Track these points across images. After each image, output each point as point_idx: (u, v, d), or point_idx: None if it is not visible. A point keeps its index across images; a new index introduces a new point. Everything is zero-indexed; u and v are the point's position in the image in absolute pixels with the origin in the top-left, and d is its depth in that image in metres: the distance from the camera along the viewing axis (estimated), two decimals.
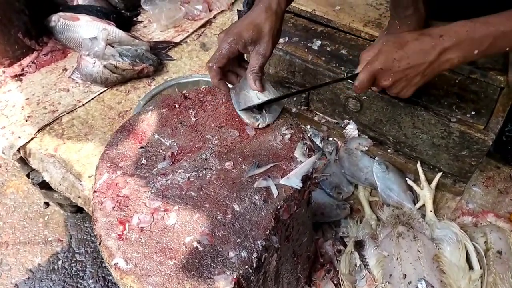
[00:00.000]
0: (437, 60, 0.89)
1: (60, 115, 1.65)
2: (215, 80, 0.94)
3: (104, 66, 1.71)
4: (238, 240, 0.74)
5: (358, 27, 1.41)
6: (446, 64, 0.91)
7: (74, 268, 1.64)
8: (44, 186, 1.66)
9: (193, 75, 1.76)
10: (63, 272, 1.64)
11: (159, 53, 1.91)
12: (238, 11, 1.97)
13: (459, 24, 0.89)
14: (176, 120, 0.97)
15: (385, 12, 1.45)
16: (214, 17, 2.11)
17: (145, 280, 0.69)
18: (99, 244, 0.75)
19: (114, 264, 0.71)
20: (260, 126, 0.92)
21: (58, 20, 1.92)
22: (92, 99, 1.72)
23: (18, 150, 1.58)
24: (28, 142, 1.57)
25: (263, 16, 0.92)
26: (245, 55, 0.98)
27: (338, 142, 1.46)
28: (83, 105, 1.70)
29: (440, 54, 0.88)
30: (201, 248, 0.73)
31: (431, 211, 1.24)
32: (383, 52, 0.92)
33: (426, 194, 1.27)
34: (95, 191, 0.82)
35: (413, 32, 0.95)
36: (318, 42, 1.41)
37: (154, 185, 0.82)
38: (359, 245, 1.16)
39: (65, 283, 1.60)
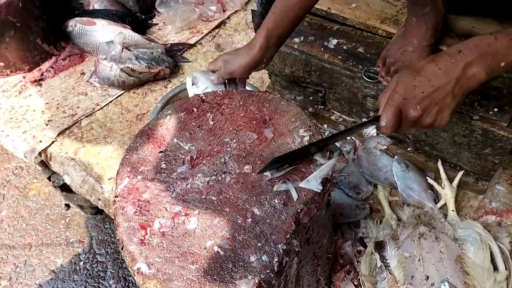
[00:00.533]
0: (463, 76, 0.81)
1: (79, 119, 1.68)
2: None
3: (121, 70, 1.73)
4: (259, 244, 0.74)
5: (375, 24, 1.39)
6: (474, 80, 0.83)
7: (95, 269, 1.67)
8: (65, 188, 1.69)
9: None
10: (85, 273, 1.66)
11: (175, 55, 1.92)
12: (252, 11, 1.97)
13: (477, 38, 0.84)
14: (194, 124, 0.97)
15: (403, 9, 1.42)
16: (228, 18, 2.11)
17: (167, 285, 0.69)
18: (122, 249, 0.76)
19: (137, 269, 0.72)
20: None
21: (75, 25, 1.95)
22: (110, 102, 1.74)
23: (39, 154, 1.61)
24: (49, 146, 1.60)
25: (259, 53, 1.12)
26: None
27: (356, 141, 1.44)
28: (101, 108, 1.72)
29: (465, 69, 0.81)
30: (222, 253, 0.73)
31: (453, 210, 1.21)
32: (399, 83, 0.83)
33: (447, 193, 1.25)
34: (116, 196, 0.83)
35: (425, 59, 0.87)
36: (334, 41, 1.40)
37: (174, 190, 0.83)
38: (380, 246, 1.14)
39: (87, 284, 1.63)
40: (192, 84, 1.22)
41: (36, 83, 1.88)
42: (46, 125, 1.68)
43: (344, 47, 1.38)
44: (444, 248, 1.06)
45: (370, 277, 1.11)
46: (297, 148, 0.89)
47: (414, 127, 0.87)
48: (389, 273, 1.09)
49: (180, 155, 0.90)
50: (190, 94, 1.21)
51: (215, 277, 0.70)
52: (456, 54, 0.81)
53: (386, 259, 1.11)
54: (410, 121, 0.83)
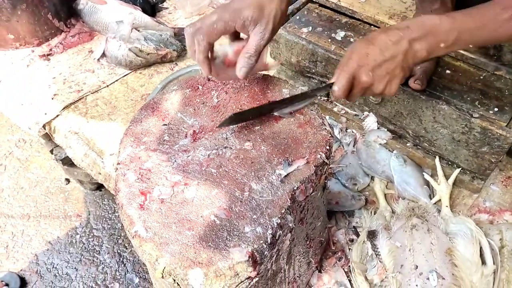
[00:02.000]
0: (409, 50, 0.87)
1: (85, 95, 1.70)
2: (201, 56, 0.87)
3: (129, 50, 1.74)
4: (254, 216, 0.76)
5: (383, 19, 1.41)
6: (417, 56, 0.88)
7: (91, 243, 1.69)
8: (66, 162, 1.71)
9: None
10: (81, 246, 1.69)
11: (183, 39, 1.93)
12: None
13: (426, 17, 0.88)
14: (198, 100, 0.99)
15: (411, 6, 1.44)
16: None
17: (163, 248, 0.71)
18: (121, 211, 0.78)
19: (135, 231, 0.74)
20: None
21: (86, 3, 1.97)
22: (116, 80, 1.76)
23: (44, 126, 1.63)
24: (54, 119, 1.62)
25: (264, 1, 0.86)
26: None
27: (357, 134, 1.46)
28: (107, 86, 1.74)
29: (410, 44, 0.86)
30: (218, 222, 0.75)
31: (447, 206, 1.23)
32: (354, 51, 0.88)
33: (443, 189, 1.27)
34: (118, 163, 0.85)
35: (377, 30, 0.92)
36: (342, 33, 1.42)
37: (175, 160, 0.85)
38: (372, 235, 1.16)
39: (82, 257, 1.66)
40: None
41: (44, 58, 1.89)
42: (52, 99, 1.70)
43: (352, 39, 1.40)
44: (435, 240, 1.08)
45: (360, 264, 1.13)
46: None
47: (365, 95, 0.93)
48: (379, 261, 1.11)
49: (183, 128, 0.92)
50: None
51: (209, 243, 0.72)
52: (404, 29, 0.87)
53: (377, 248, 1.14)
54: (362, 87, 0.88)
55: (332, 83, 0.88)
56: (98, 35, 1.99)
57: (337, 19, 1.49)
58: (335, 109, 1.49)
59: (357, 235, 1.23)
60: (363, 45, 0.87)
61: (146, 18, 1.90)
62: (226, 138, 0.89)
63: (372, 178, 1.37)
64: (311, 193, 0.86)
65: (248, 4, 0.85)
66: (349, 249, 1.20)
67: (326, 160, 0.87)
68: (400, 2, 1.46)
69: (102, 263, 1.63)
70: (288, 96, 0.97)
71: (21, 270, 1.63)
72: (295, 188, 0.81)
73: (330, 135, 0.90)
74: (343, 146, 1.45)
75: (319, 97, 1.50)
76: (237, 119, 0.91)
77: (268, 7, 0.86)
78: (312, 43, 1.41)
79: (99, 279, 1.59)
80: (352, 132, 1.47)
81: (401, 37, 0.86)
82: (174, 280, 0.72)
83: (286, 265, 0.91)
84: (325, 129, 0.91)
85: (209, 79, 1.04)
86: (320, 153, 0.86)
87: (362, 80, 0.86)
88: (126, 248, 1.67)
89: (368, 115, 1.42)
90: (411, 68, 0.91)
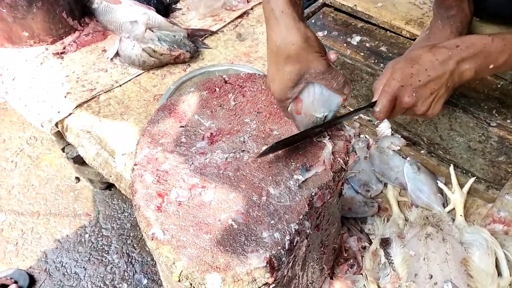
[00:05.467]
0: (457, 69, 0.84)
1: (98, 94, 1.70)
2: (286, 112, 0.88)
3: (143, 50, 1.75)
4: (272, 221, 0.76)
5: (399, 25, 1.40)
6: (463, 76, 0.86)
7: (100, 243, 1.69)
8: (77, 161, 1.72)
9: (222, 63, 1.78)
10: (90, 245, 1.69)
11: (196, 41, 1.94)
12: None
13: (476, 37, 0.86)
14: (216, 102, 0.98)
15: (428, 12, 1.43)
16: (251, 8, 2.12)
17: (180, 251, 0.71)
18: (137, 213, 0.78)
19: (152, 234, 0.74)
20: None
21: (100, 2, 1.98)
22: (129, 80, 1.76)
23: (56, 124, 1.64)
24: (66, 117, 1.63)
25: (311, 38, 0.80)
26: None
27: (370, 139, 1.45)
28: (120, 85, 1.74)
29: (458, 64, 0.84)
30: (235, 226, 0.74)
31: (461, 215, 1.22)
32: (397, 70, 0.84)
33: (457, 198, 1.25)
34: (135, 164, 0.84)
35: (423, 47, 0.89)
36: (358, 38, 1.41)
37: (192, 163, 0.84)
38: (385, 243, 1.15)
39: (91, 256, 1.66)
40: None
41: (58, 56, 1.90)
42: (65, 97, 1.70)
43: (367, 44, 1.39)
44: (450, 250, 1.07)
45: (373, 272, 1.12)
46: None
47: (405, 114, 0.89)
48: (393, 270, 1.09)
49: (200, 131, 0.92)
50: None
51: (227, 248, 0.71)
52: (453, 48, 0.84)
53: (391, 256, 1.12)
54: (403, 107, 0.85)
55: (373, 103, 0.85)
56: (111, 34, 2.00)
57: (353, 24, 1.48)
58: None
59: (370, 242, 1.22)
60: (407, 64, 0.84)
61: (160, 19, 1.90)
62: (244, 142, 0.89)
63: (385, 184, 1.36)
64: (329, 199, 0.85)
65: (310, 58, 0.81)
66: (362, 256, 1.19)
67: (344, 166, 0.87)
68: (417, 8, 1.46)
69: (111, 263, 1.63)
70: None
71: (30, 267, 1.64)
72: (313, 194, 0.80)
73: (348, 142, 0.89)
74: (356, 152, 1.44)
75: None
76: (278, 147, 0.85)
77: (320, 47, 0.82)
78: (327, 47, 1.40)
79: (108, 279, 1.59)
80: (365, 137, 1.46)
81: (449, 56, 0.83)
82: (191, 284, 0.72)
83: (301, 271, 0.90)
84: (344, 135, 0.90)
85: (226, 82, 1.03)
86: (338, 159, 0.85)
87: (405, 101, 0.83)
88: (135, 249, 1.66)
89: (382, 121, 1.41)
90: (455, 88, 0.87)
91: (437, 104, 0.86)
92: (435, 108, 0.87)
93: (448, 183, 1.31)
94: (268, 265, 0.71)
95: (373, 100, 0.86)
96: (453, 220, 1.21)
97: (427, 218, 1.19)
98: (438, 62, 0.83)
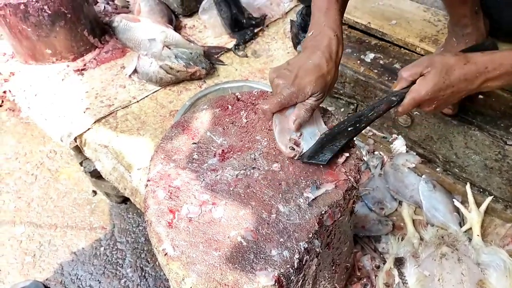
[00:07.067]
0: (478, 88, 0.91)
1: (116, 109, 1.74)
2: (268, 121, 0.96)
3: (160, 67, 1.79)
4: (281, 239, 0.76)
5: (413, 42, 1.40)
6: (483, 90, 0.93)
7: (114, 256, 1.71)
8: (95, 175, 1.75)
9: (237, 80, 1.80)
10: (104, 258, 1.71)
11: (212, 58, 1.98)
12: (291, 21, 2.00)
13: (504, 56, 0.89)
14: (228, 120, 1.00)
15: (443, 29, 1.43)
16: (267, 26, 2.16)
17: (190, 268, 0.72)
18: (149, 228, 0.79)
19: (162, 249, 0.74)
20: (295, 158, 0.88)
21: (120, 20, 2.05)
22: (146, 96, 1.80)
23: (75, 139, 1.68)
24: (85, 132, 1.67)
25: (325, 68, 0.89)
26: None
27: (384, 156, 1.44)
28: (137, 101, 1.78)
29: (482, 84, 0.89)
30: (245, 243, 0.75)
31: (478, 235, 1.19)
32: (429, 82, 0.89)
33: (474, 217, 1.22)
34: (149, 180, 0.86)
35: (460, 56, 0.91)
36: (371, 55, 1.41)
37: (204, 179, 0.86)
38: (399, 262, 1.13)
39: (105, 269, 1.67)
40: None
41: (78, 72, 1.96)
42: (84, 112, 1.75)
43: (381, 61, 1.39)
44: (466, 271, 1.04)
45: None
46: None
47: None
48: None
49: (212, 147, 0.93)
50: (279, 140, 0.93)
51: (236, 265, 0.71)
52: (482, 69, 0.88)
53: (405, 276, 1.10)
54: (421, 109, 0.97)
55: (396, 102, 0.92)
56: (130, 52, 2.05)
57: (367, 41, 1.49)
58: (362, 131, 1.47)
59: (384, 261, 1.20)
60: (441, 78, 0.89)
61: (177, 36, 1.95)
62: (254, 159, 0.90)
63: (400, 202, 1.34)
64: (339, 217, 0.85)
65: (311, 80, 0.88)
66: (375, 276, 1.17)
67: (355, 185, 0.86)
68: (431, 25, 1.45)
69: (125, 277, 1.65)
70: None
71: (46, 279, 1.66)
72: (323, 212, 0.80)
73: (359, 160, 0.89)
74: (370, 169, 1.43)
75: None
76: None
77: (328, 77, 0.91)
78: (341, 64, 1.40)
79: None
80: (380, 154, 1.45)
81: (476, 77, 0.88)
82: None
83: None
84: (355, 153, 0.90)
85: (238, 99, 1.05)
86: (349, 177, 0.85)
87: (424, 108, 0.94)
88: (149, 263, 1.68)
89: (396, 138, 1.40)
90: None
91: (443, 107, 0.97)
92: (440, 110, 1.01)
93: (464, 201, 1.29)
94: (276, 284, 0.71)
95: (395, 88, 0.94)
96: (470, 240, 1.19)
97: (443, 237, 1.17)
98: (465, 81, 0.89)
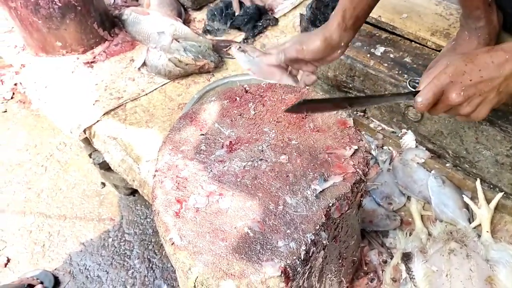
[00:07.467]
0: None
1: (125, 102, 1.75)
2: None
3: (169, 60, 1.79)
4: (288, 231, 0.75)
5: (424, 36, 1.38)
6: None
7: (122, 247, 1.73)
8: (104, 166, 1.77)
9: (245, 73, 1.79)
10: (112, 249, 1.73)
11: (220, 51, 1.97)
12: (301, 14, 1.99)
13: None
14: (236, 111, 1.00)
15: (455, 23, 1.40)
16: (276, 20, 2.14)
17: (196, 257, 0.72)
18: (157, 218, 0.79)
19: (169, 239, 0.75)
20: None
21: (130, 13, 2.05)
22: (155, 89, 1.81)
23: (84, 131, 1.69)
24: (94, 124, 1.68)
25: (336, 33, 1.03)
26: None
27: (393, 151, 1.42)
28: (146, 94, 1.79)
29: None
30: (251, 234, 0.75)
31: (487, 231, 1.18)
32: (450, 65, 0.82)
33: (483, 213, 1.21)
34: (156, 170, 0.86)
35: (481, 48, 0.87)
36: (382, 49, 1.40)
37: (211, 170, 0.86)
38: (407, 257, 1.12)
39: (113, 260, 1.69)
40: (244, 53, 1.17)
41: (88, 65, 1.98)
42: (93, 104, 1.76)
43: (391, 55, 1.38)
44: (475, 267, 1.03)
45: (394, 287, 1.09)
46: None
47: (448, 113, 0.85)
48: (414, 285, 1.07)
49: (219, 139, 0.93)
50: (243, 61, 1.16)
51: (242, 255, 0.72)
52: (511, 52, 0.80)
53: (412, 271, 1.09)
54: (448, 104, 0.82)
55: (416, 92, 0.82)
56: (139, 45, 2.06)
57: (377, 34, 1.47)
58: (371, 125, 1.47)
59: (391, 256, 1.20)
60: (462, 61, 0.81)
61: (186, 30, 1.95)
62: (262, 151, 0.89)
63: (408, 198, 1.33)
64: (347, 210, 0.84)
65: (319, 47, 1.07)
66: (382, 270, 1.16)
67: (363, 178, 0.86)
68: (443, 19, 1.43)
69: (132, 268, 1.66)
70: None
71: (55, 269, 1.69)
72: (330, 205, 0.80)
73: (368, 153, 0.88)
74: (378, 164, 1.42)
75: (355, 113, 1.48)
76: (307, 107, 0.88)
77: (330, 54, 1.09)
78: (350, 57, 1.40)
79: (129, 283, 1.62)
80: (389, 149, 1.44)
81: (506, 60, 0.79)
82: None
83: (318, 283, 0.89)
84: (363, 146, 0.89)
85: (246, 91, 1.05)
86: (357, 170, 0.85)
87: (451, 98, 0.80)
88: (156, 254, 1.69)
89: (406, 132, 1.38)
90: (508, 95, 0.83)
91: (484, 108, 0.82)
92: (481, 112, 0.82)
93: (474, 197, 1.27)
94: (283, 275, 0.70)
95: (418, 88, 0.83)
96: (479, 236, 1.17)
97: (451, 233, 1.16)
98: (493, 65, 0.80)
